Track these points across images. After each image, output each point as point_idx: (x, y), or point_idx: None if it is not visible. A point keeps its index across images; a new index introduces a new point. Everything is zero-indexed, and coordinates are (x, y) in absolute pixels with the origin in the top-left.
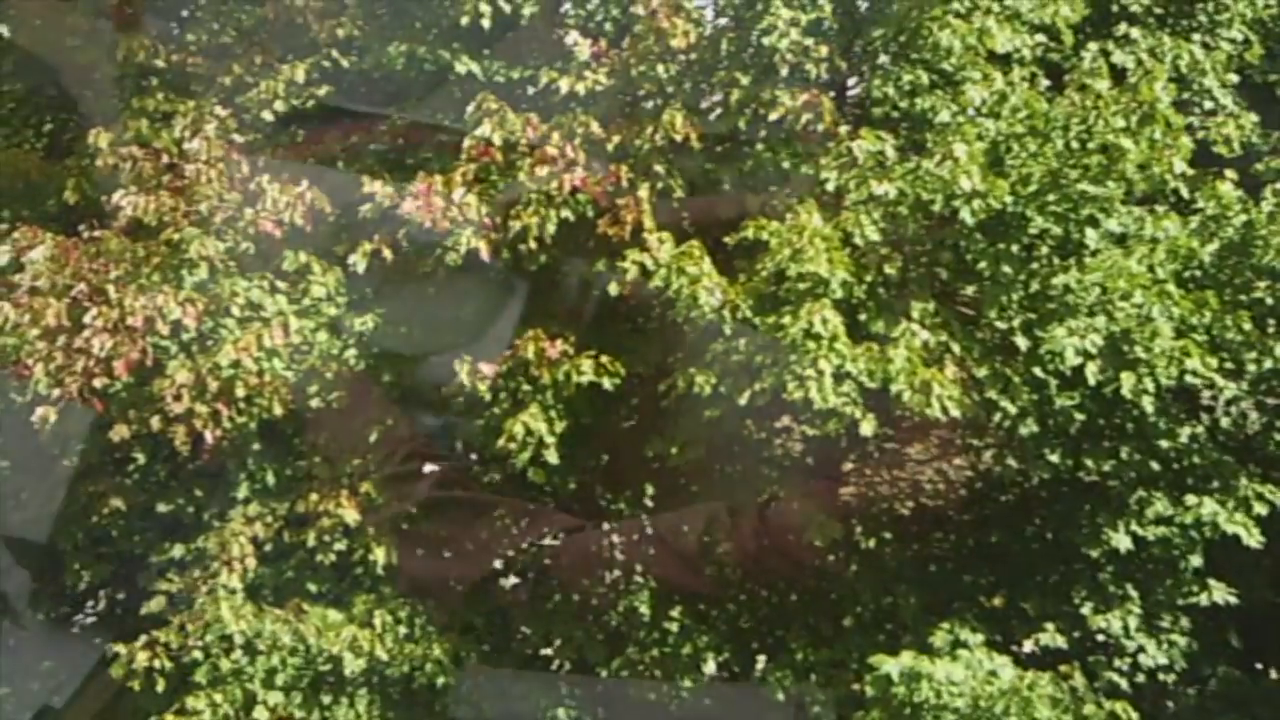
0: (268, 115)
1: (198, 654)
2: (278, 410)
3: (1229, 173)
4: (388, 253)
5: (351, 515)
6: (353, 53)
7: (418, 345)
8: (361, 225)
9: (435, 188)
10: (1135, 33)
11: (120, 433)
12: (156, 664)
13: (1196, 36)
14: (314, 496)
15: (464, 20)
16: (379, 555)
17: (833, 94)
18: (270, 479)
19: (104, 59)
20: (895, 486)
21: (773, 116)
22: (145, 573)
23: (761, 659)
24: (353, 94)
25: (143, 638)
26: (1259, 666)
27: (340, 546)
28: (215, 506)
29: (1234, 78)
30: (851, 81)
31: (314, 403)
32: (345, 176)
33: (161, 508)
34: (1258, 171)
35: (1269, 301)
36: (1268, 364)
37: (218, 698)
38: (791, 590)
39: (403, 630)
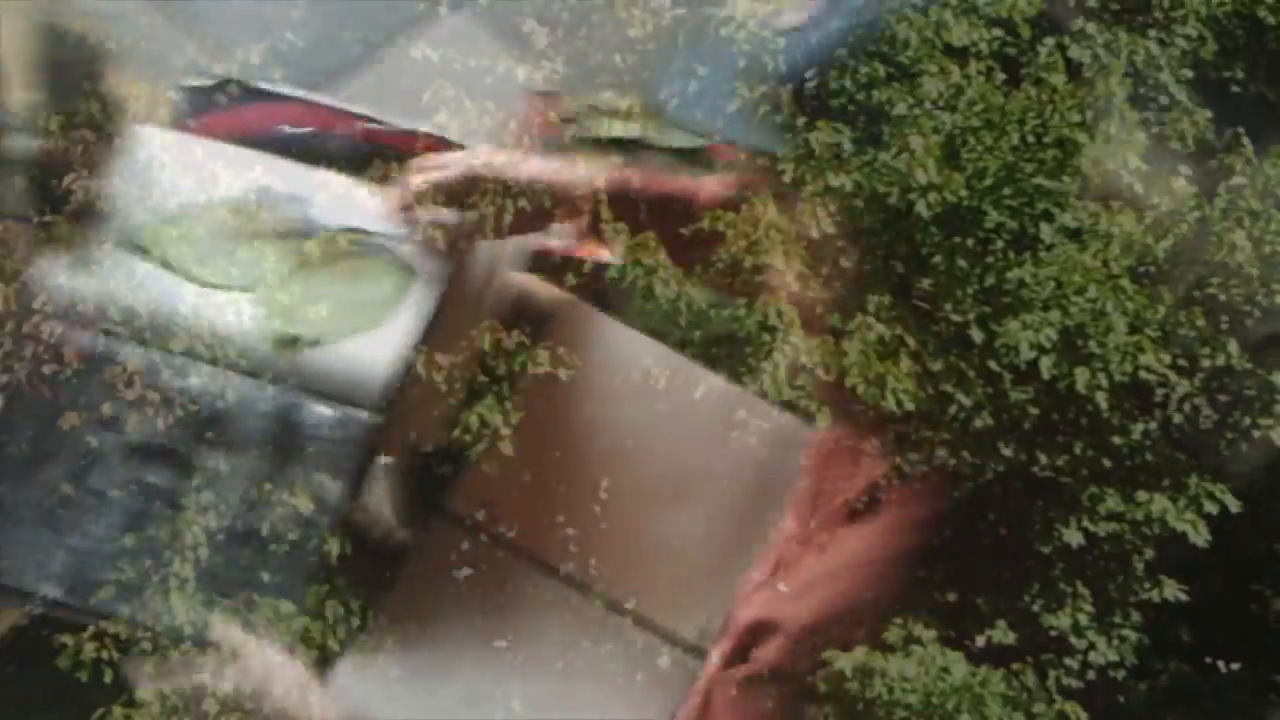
0: (222, 99)
1: (146, 645)
2: (208, 431)
3: (1183, 168)
4: (343, 241)
5: (305, 505)
6: (307, 37)
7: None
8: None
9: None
10: (1091, 28)
11: (70, 420)
12: (105, 655)
13: (1152, 32)
14: (267, 485)
15: (420, 6)
16: (333, 546)
17: (790, 86)
18: (223, 467)
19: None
20: (848, 480)
21: (730, 108)
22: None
23: (716, 652)
24: (305, 79)
25: (90, 628)
26: (1210, 662)
27: (294, 536)
28: (168, 495)
29: (1189, 74)
30: (809, 74)
31: (369, 415)
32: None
33: (114, 494)
34: (1212, 168)
35: (1223, 298)
36: (1221, 361)
37: (166, 689)
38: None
39: (355, 621)
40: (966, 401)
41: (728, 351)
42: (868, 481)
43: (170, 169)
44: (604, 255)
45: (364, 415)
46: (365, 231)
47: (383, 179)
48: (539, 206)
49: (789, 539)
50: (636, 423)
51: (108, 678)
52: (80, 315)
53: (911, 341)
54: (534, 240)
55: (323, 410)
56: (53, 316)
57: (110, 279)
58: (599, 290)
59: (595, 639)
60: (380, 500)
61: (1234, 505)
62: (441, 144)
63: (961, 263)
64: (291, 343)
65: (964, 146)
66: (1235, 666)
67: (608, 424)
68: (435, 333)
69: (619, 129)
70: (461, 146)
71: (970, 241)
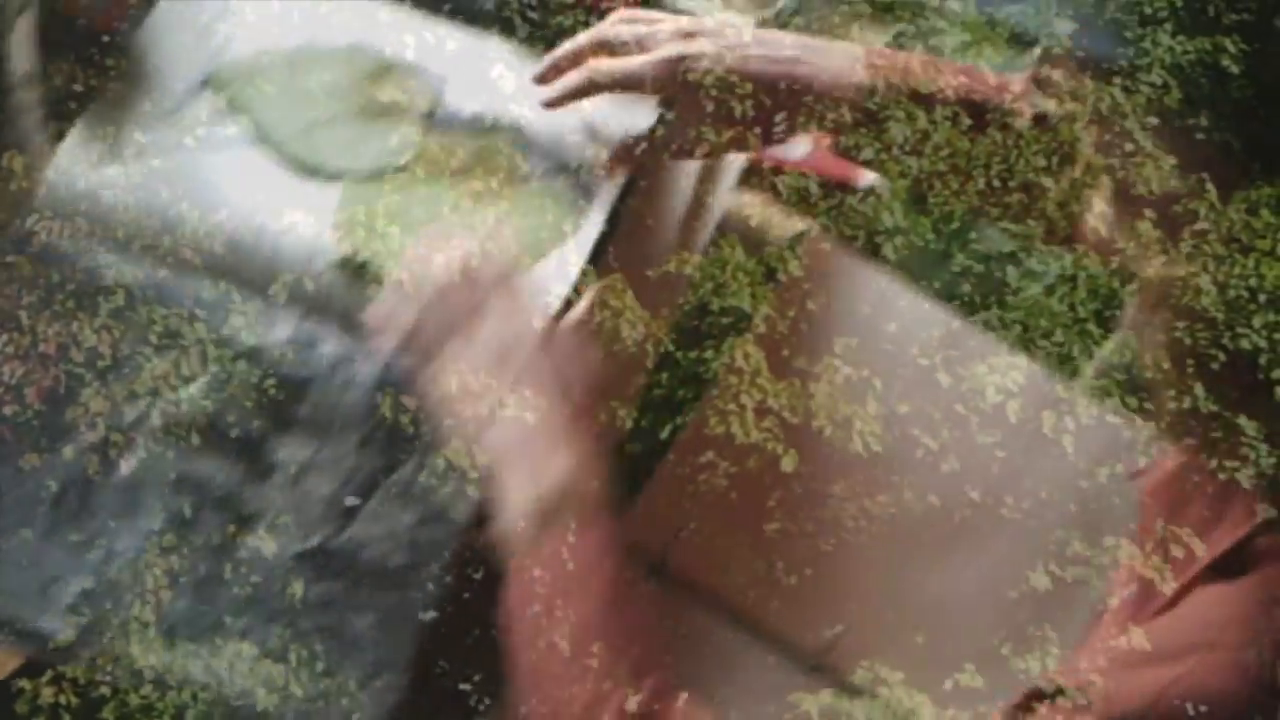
0: (189, 141)
1: (105, 690)
2: (195, 440)
3: (1147, 212)
4: (309, 283)
5: (270, 547)
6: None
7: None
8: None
9: (444, 202)
10: (1057, 75)
11: (31, 461)
12: (63, 699)
13: (1117, 80)
14: (231, 528)
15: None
16: (297, 589)
17: (758, 130)
18: (187, 510)
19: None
20: (816, 523)
21: (698, 152)
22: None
23: (683, 697)
24: None
25: (49, 672)
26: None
27: (257, 579)
28: (129, 537)
29: (1154, 121)
30: (779, 118)
31: (233, 433)
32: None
33: (73, 538)
34: (1176, 213)
35: (1188, 342)
36: (1186, 404)
37: None
38: (713, 627)
39: (319, 665)
40: (934, 445)
41: (694, 393)
42: (1234, 537)
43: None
44: (861, 177)
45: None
46: (517, 130)
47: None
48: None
49: (1123, 615)
50: (909, 427)
51: None
52: (43, 355)
53: (879, 383)
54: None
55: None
56: (14, 358)
57: (73, 320)
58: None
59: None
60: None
61: (1200, 549)
62: None
63: (927, 306)
64: (358, 270)
65: (930, 191)
66: (1203, 709)
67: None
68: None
69: None
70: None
71: (937, 284)
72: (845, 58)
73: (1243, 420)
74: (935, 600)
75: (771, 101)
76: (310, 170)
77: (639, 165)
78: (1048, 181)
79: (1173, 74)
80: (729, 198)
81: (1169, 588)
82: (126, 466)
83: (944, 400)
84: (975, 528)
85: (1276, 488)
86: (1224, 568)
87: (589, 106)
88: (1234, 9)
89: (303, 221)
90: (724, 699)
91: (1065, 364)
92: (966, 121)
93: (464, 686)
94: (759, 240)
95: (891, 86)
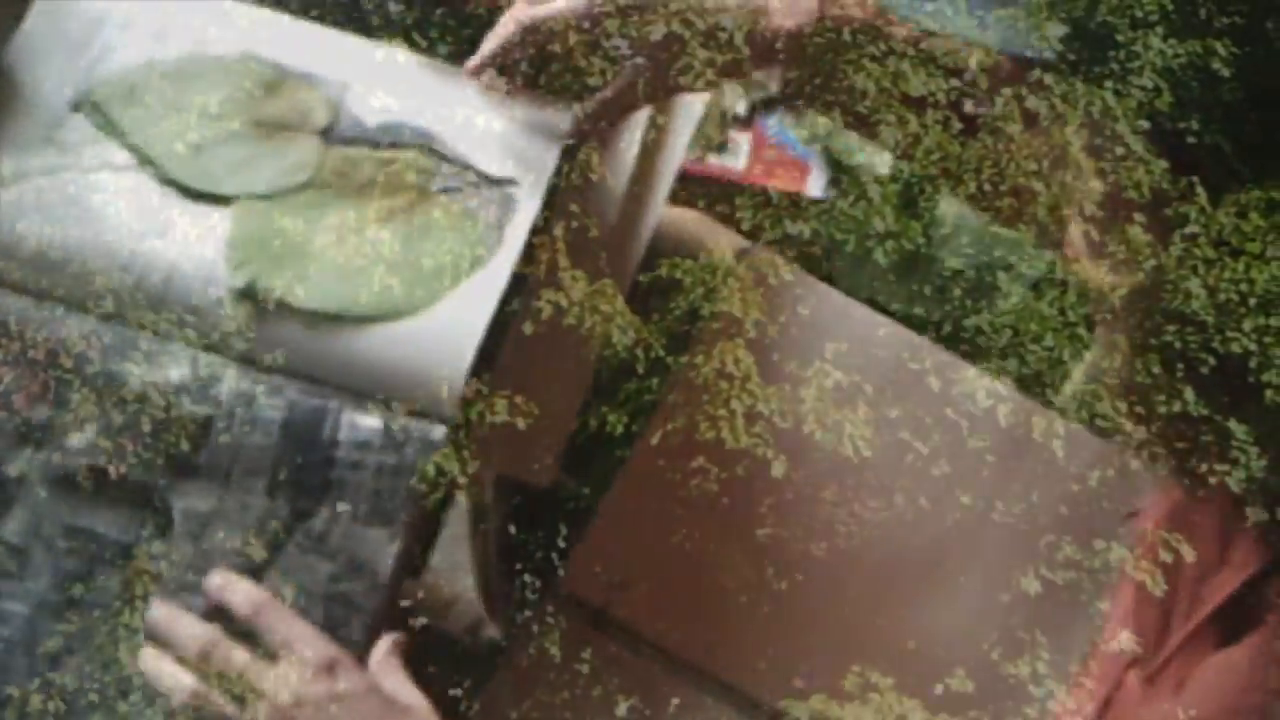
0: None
1: (94, 697)
2: (185, 446)
3: (1137, 215)
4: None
5: (260, 553)
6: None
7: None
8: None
9: (348, 224)
10: (1049, 79)
11: (19, 468)
12: (50, 706)
13: (1109, 83)
14: (220, 534)
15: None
16: (287, 594)
17: (748, 134)
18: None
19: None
20: (807, 528)
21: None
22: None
23: (674, 702)
24: None
25: (36, 679)
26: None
27: (248, 585)
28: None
29: (1144, 124)
30: (769, 122)
31: (223, 439)
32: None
33: (61, 544)
34: (1167, 217)
35: (1178, 345)
36: (1176, 408)
37: None
38: (703, 633)
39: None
40: (924, 449)
41: (684, 399)
42: (1246, 576)
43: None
44: (809, 185)
45: (432, 431)
46: (428, 141)
47: (341, 224)
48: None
49: (1119, 663)
50: (899, 431)
51: None
52: (32, 361)
53: (869, 388)
54: (696, 161)
55: (364, 422)
56: (3, 364)
57: (63, 326)
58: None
59: None
60: (456, 570)
61: (1189, 555)
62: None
63: (918, 310)
64: (257, 301)
65: (921, 194)
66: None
67: (824, 454)
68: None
69: None
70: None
71: (927, 289)
72: None
73: (1233, 424)
74: (926, 605)
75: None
76: (200, 194)
77: (602, 126)
78: (1039, 185)
79: (1164, 77)
80: (663, 208)
81: (1160, 590)
82: (115, 473)
83: (934, 405)
84: (967, 532)
85: (1268, 491)
86: (1231, 616)
87: (504, 118)
88: (1225, 12)
89: (195, 249)
90: None
91: (1055, 369)
92: (957, 125)
93: None
94: (696, 256)
95: (840, 19)
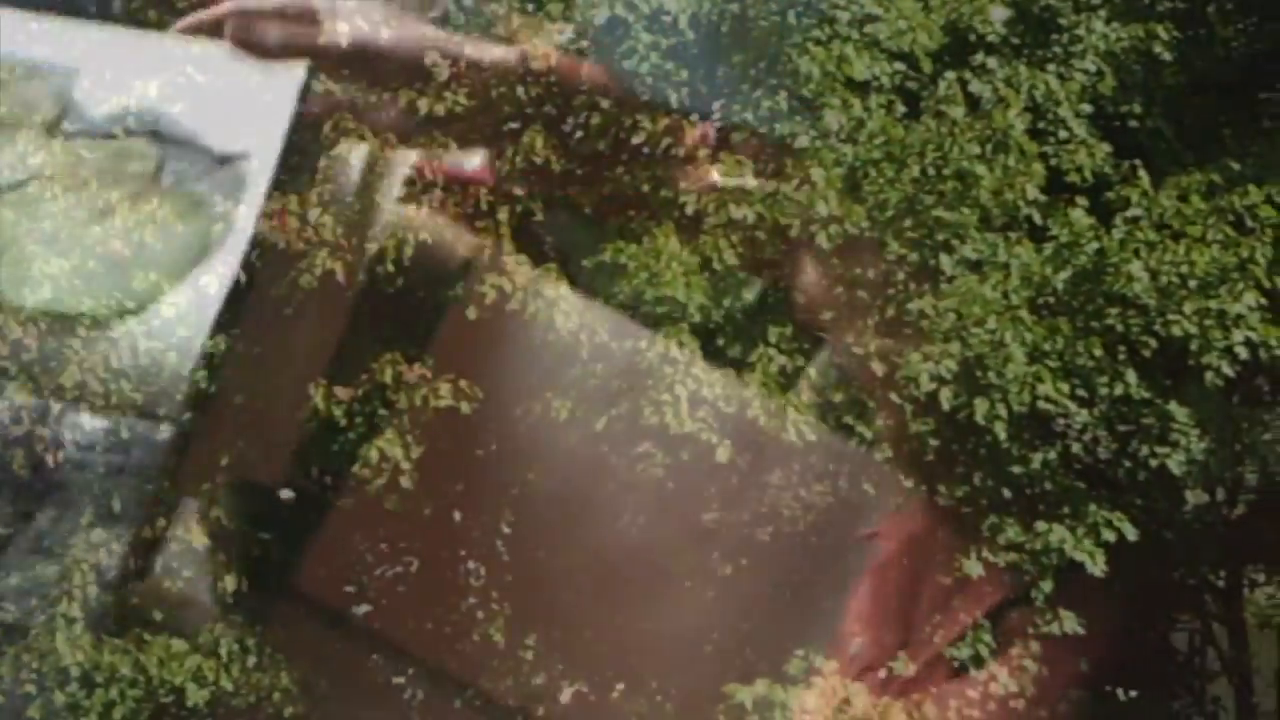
0: (119, 132)
1: (31, 688)
2: (124, 434)
3: (1080, 199)
4: (241, 274)
5: (201, 540)
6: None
7: (271, 368)
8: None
9: (290, 208)
10: (992, 62)
11: None
12: None
13: (1051, 67)
14: (162, 522)
15: (321, 40)
16: (229, 583)
17: (694, 118)
18: (116, 504)
19: None
20: (753, 512)
21: (634, 140)
22: None
23: (619, 687)
24: None
25: None
26: (1109, 690)
27: (189, 573)
28: (57, 533)
29: (1088, 108)
30: (715, 106)
31: (163, 426)
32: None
33: None
34: (1109, 200)
35: (1120, 329)
36: (1119, 391)
37: None
38: (648, 618)
39: (250, 659)
40: (868, 433)
41: (629, 384)
42: (985, 608)
43: (63, 200)
44: (476, 171)
45: (158, 432)
46: (156, 128)
47: (284, 209)
48: (440, 239)
49: (856, 665)
50: (595, 453)
51: None
52: None
53: (813, 373)
54: (433, 163)
55: (89, 423)
56: None
57: None
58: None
59: None
60: (186, 566)
61: (1131, 534)
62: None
63: (862, 294)
64: None
65: (865, 179)
66: (1133, 694)
67: (546, 450)
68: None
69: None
70: (364, 176)
71: (871, 273)
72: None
73: (1173, 407)
74: (869, 588)
75: None
76: None
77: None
78: (982, 169)
79: (1107, 61)
80: (396, 208)
81: (1100, 570)
82: (53, 461)
83: (878, 388)
84: (908, 515)
85: (1208, 474)
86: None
87: (233, 81)
88: None
89: None
90: None
91: (997, 351)
92: (901, 108)
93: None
94: (432, 256)
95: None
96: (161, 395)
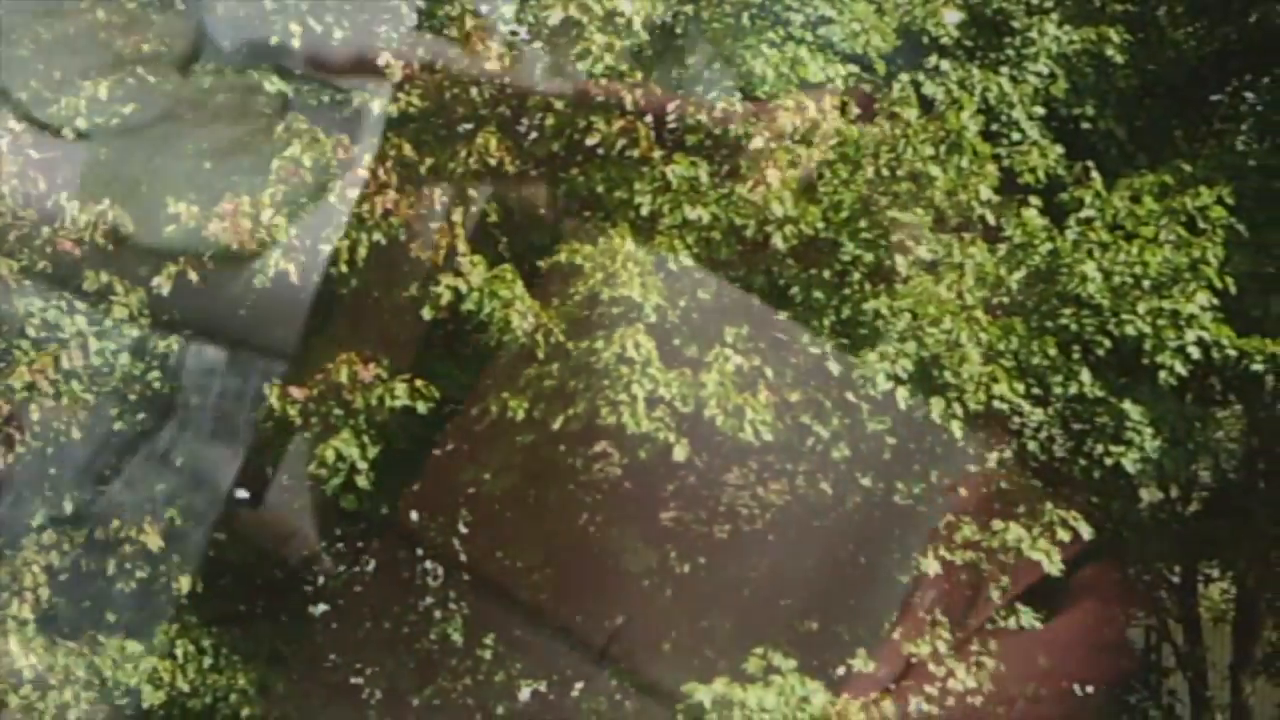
0: (69, 133)
1: None
2: (76, 435)
3: (1034, 200)
4: (193, 274)
5: (155, 541)
6: (158, 70)
7: (225, 368)
8: (166, 246)
9: (242, 209)
10: (945, 65)
11: None
12: None
13: (1004, 70)
14: (115, 523)
15: (273, 40)
16: (183, 583)
17: (648, 119)
18: (68, 506)
19: None
20: (711, 511)
21: (589, 141)
22: None
23: (578, 686)
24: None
25: None
26: (1066, 685)
27: (142, 574)
28: (6, 535)
29: (1040, 110)
30: (671, 107)
31: (117, 426)
32: (149, 196)
33: None
34: (1062, 201)
35: (1074, 328)
36: (1073, 389)
37: None
38: (607, 616)
39: (206, 660)
40: (824, 433)
41: (585, 384)
42: (943, 605)
43: (9, 200)
44: None
45: (274, 364)
46: (281, 60)
47: (235, 209)
48: (394, 240)
49: (923, 625)
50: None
51: None
52: None
53: (769, 372)
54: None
55: (209, 352)
56: None
57: None
58: None
59: None
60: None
61: (1086, 532)
62: (295, 175)
63: (818, 294)
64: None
65: (820, 180)
66: (1089, 690)
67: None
68: None
69: None
70: (316, 178)
71: (827, 273)
72: None
73: (1128, 405)
74: (828, 587)
75: None
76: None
77: None
78: (935, 170)
79: (1059, 63)
80: (351, 209)
81: (1057, 568)
82: (3, 463)
83: (835, 388)
84: (867, 514)
85: (1162, 472)
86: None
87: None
88: (1119, 0)
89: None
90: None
91: (953, 351)
92: (855, 110)
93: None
94: (387, 256)
95: None
96: (114, 396)
